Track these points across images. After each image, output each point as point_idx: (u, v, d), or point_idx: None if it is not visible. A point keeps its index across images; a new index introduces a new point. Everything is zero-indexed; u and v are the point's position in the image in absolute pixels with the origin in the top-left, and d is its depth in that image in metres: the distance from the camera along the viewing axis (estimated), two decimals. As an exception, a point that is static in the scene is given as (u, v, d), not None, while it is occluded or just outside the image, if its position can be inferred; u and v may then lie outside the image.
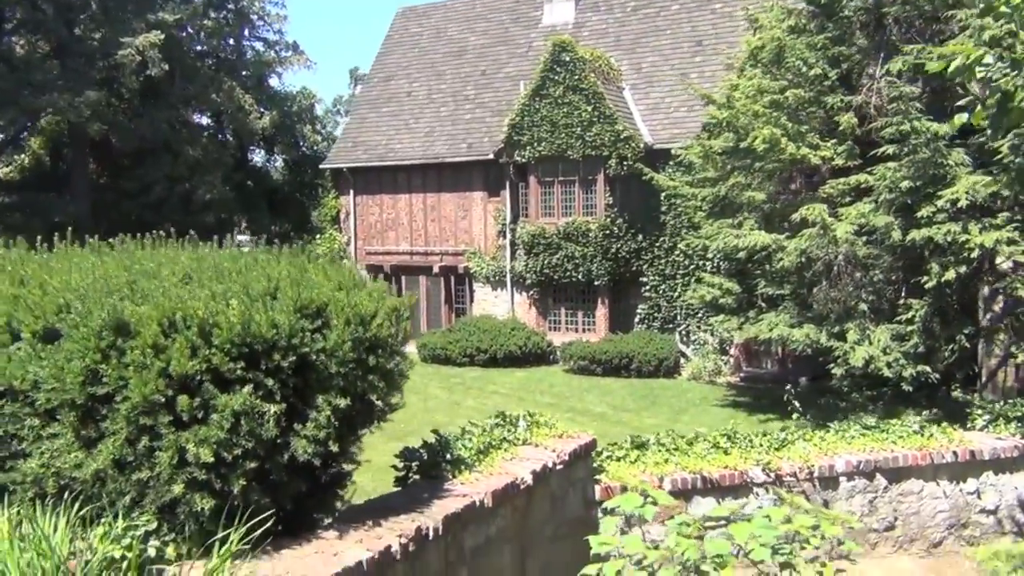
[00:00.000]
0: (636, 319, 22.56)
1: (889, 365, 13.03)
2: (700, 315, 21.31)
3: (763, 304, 15.86)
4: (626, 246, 22.04)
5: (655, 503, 4.48)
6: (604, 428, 15.04)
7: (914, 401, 14.84)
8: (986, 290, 15.10)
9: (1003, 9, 5.82)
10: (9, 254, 5.02)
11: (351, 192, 26.71)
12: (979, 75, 4.77)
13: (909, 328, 13.12)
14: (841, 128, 14.23)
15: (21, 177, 28.29)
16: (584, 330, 22.90)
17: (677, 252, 21.70)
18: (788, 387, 11.19)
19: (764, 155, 14.79)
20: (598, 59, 23.07)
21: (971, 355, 16.19)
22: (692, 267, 21.41)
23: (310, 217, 31.81)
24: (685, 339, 21.90)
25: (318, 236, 26.05)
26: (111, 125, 25.66)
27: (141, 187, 26.82)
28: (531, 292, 23.59)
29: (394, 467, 5.34)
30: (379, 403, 4.71)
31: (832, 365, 13.79)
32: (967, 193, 12.09)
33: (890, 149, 12.93)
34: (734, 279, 16.81)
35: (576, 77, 22.03)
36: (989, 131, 5.14)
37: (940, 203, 12.44)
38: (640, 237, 22.13)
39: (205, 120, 32.04)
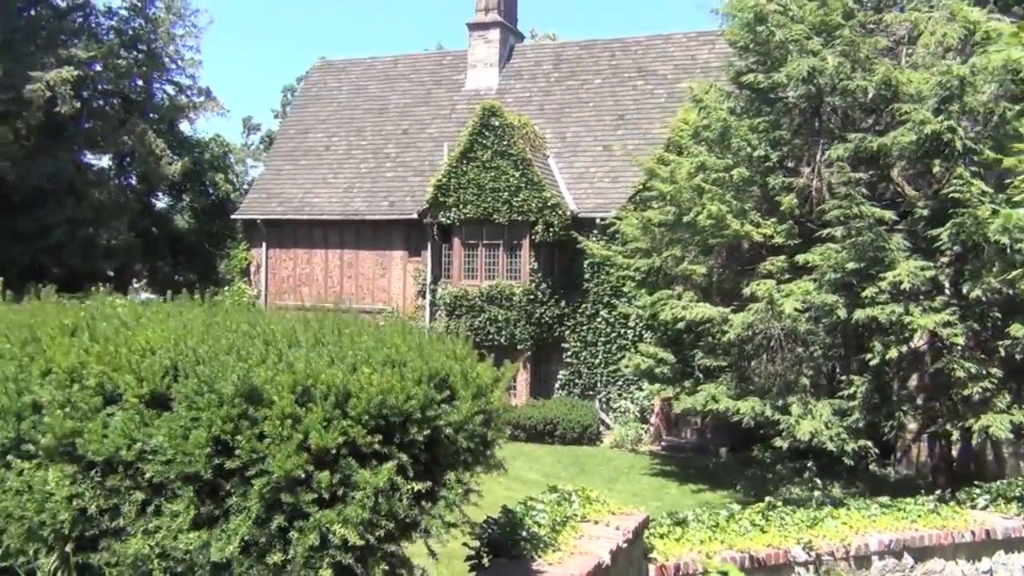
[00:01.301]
0: (557, 385, 22.58)
1: (831, 439, 13.41)
2: (621, 383, 21.53)
3: (700, 375, 16.12)
4: (549, 312, 22.14)
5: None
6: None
7: (836, 474, 15.31)
8: (904, 367, 15.86)
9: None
10: (72, 308, 4.53)
11: (263, 244, 25.93)
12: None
13: (851, 404, 13.57)
14: (783, 208, 14.79)
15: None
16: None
17: (599, 319, 21.95)
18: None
19: (708, 230, 15.19)
20: (525, 126, 23.36)
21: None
22: (614, 335, 21.70)
23: (216, 268, 30.64)
24: (605, 407, 22.03)
25: (226, 288, 25.06)
26: (12, 162, 24.08)
27: (39, 229, 25.17)
28: (450, 354, 23.26)
29: (465, 544, 5.02)
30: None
31: (777, 438, 14.08)
32: (909, 276, 12.72)
33: (837, 231, 13.49)
34: (668, 349, 17.06)
35: (504, 142, 22.20)
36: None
37: (883, 284, 13.02)
38: (563, 303, 22.28)
39: (106, 162, 30.61)
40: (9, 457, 3.80)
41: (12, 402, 3.81)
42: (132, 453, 3.61)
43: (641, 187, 20.11)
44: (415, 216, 23.48)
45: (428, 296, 23.64)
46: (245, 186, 35.01)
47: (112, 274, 27.22)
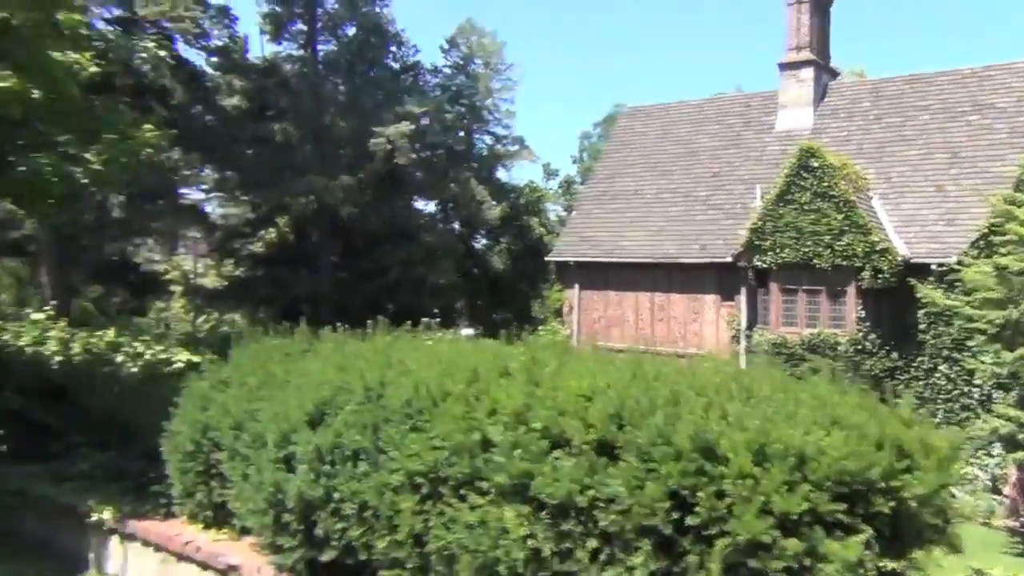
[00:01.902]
0: (884, 443, 20.85)
1: None
2: (967, 447, 19.44)
3: (1075, 443, 14.11)
4: (879, 364, 20.54)
5: None
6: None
7: None
8: None
9: None
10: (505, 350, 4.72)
11: (576, 286, 26.58)
12: None
13: None
14: None
15: (267, 253, 30.12)
16: (824, 450, 21.34)
17: (938, 374, 20.02)
18: None
19: (1086, 278, 13.36)
20: (846, 166, 22.04)
21: None
22: (956, 392, 19.68)
23: (530, 307, 32.03)
24: (943, 471, 19.98)
25: (539, 328, 25.96)
26: (360, 208, 27.05)
27: (377, 269, 27.85)
28: (764, 404, 22.32)
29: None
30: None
31: None
32: None
33: None
34: (1030, 412, 15.14)
35: (825, 184, 21.06)
36: None
37: None
38: (895, 355, 20.59)
39: (432, 208, 33.43)
40: (463, 491, 3.93)
41: (466, 439, 3.95)
42: (585, 499, 3.59)
43: (987, 230, 18.25)
44: (728, 260, 22.91)
45: (743, 342, 22.89)
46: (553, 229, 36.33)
47: (436, 311, 29.36)
